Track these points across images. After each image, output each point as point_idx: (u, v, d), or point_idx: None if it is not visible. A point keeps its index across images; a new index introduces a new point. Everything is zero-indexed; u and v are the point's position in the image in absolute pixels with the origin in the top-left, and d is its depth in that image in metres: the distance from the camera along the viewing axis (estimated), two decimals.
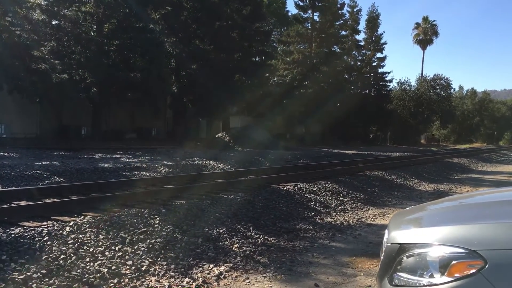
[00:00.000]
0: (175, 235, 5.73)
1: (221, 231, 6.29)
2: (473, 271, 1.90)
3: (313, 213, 8.34)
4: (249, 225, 6.78)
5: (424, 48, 67.78)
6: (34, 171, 10.16)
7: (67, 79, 21.73)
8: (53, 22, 23.59)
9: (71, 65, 23.03)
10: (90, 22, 24.94)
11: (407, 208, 3.15)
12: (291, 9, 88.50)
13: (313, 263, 5.44)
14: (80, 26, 24.11)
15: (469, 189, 13.36)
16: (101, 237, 5.32)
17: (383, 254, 2.37)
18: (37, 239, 4.97)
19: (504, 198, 3.13)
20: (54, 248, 4.83)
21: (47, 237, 5.04)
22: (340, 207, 9.19)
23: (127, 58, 25.14)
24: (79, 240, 5.12)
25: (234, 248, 5.75)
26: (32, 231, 5.17)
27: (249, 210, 7.61)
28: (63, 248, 4.85)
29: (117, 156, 16.25)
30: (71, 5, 24.28)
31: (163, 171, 12.34)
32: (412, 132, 55.03)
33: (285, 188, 9.79)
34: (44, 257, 4.58)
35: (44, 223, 5.66)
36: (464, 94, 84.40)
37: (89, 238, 5.23)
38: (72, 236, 5.21)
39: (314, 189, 10.16)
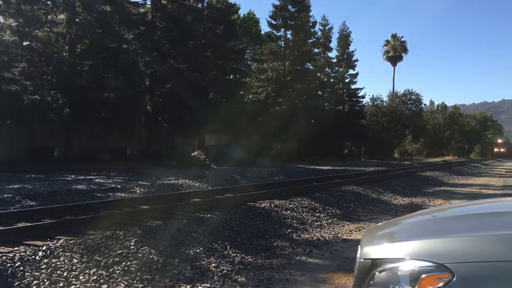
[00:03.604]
0: (151, 257, 5.67)
1: (198, 250, 6.26)
2: (441, 284, 1.95)
3: (289, 230, 8.36)
4: (226, 244, 6.76)
5: (394, 65, 69.34)
6: (5, 195, 9.93)
7: (39, 100, 21.43)
8: (24, 43, 23.33)
9: (43, 86, 22.71)
10: (62, 43, 24.70)
11: (380, 223, 3.21)
12: (264, 27, 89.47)
13: (291, 280, 5.45)
14: (51, 47, 23.88)
15: (441, 202, 13.61)
16: (75, 261, 5.23)
17: (356, 269, 2.42)
18: (8, 265, 4.86)
19: (474, 211, 3.23)
20: (26, 273, 4.72)
21: (19, 263, 4.93)
22: (316, 223, 9.25)
23: (100, 78, 24.94)
24: (53, 265, 5.02)
25: (211, 267, 5.73)
26: (4, 257, 5.05)
27: (226, 229, 7.59)
28: (36, 274, 4.75)
29: (91, 177, 16.01)
30: (43, 26, 24.04)
31: (138, 191, 12.21)
32: (385, 146, 55.92)
33: (261, 206, 9.80)
34: (16, 283, 4.48)
35: (16, 248, 5.54)
36: (435, 108, 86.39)
37: (63, 263, 5.13)
38: (45, 261, 5.11)
39: (291, 206, 10.20)
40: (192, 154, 29.21)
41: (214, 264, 5.84)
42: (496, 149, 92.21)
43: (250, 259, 6.27)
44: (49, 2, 24.50)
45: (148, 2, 31.51)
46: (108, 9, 25.56)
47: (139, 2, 31.07)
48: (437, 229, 2.66)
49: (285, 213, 9.54)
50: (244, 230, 7.73)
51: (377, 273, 2.17)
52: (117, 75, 25.23)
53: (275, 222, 8.74)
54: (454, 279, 1.93)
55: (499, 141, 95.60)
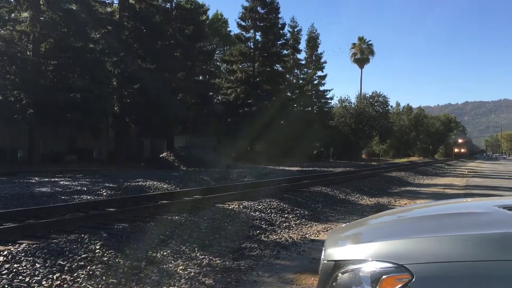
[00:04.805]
0: (117, 260, 5.59)
1: (165, 253, 6.20)
2: (400, 285, 1.98)
3: (258, 231, 8.38)
4: (194, 246, 6.72)
5: (361, 67, 70.55)
6: None
7: (1, 100, 20.85)
8: None
9: (6, 86, 22.10)
10: (25, 42, 24.09)
11: (343, 225, 3.25)
12: (233, 28, 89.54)
13: (258, 282, 5.47)
14: (15, 46, 23.24)
15: (407, 202, 13.88)
16: (37, 265, 5.10)
17: (320, 271, 2.44)
18: None
19: (437, 212, 3.30)
20: None
21: None
22: (284, 224, 9.29)
23: (66, 78, 24.41)
24: (14, 270, 4.89)
25: (178, 270, 5.68)
26: None
27: (194, 231, 7.55)
28: None
29: (56, 179, 15.66)
30: (6, 24, 23.39)
31: (105, 193, 12.01)
32: (353, 147, 56.72)
33: (230, 207, 9.80)
34: None
35: None
36: (401, 110, 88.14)
37: (25, 268, 5.00)
38: (6, 266, 4.97)
39: (259, 207, 10.22)
40: (161, 156, 28.90)
41: (181, 267, 5.80)
42: (456, 150, 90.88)
43: (218, 261, 6.25)
44: (12, 0, 23.86)
45: (116, 1, 31.09)
46: (74, 8, 25.07)
47: (106, 1, 30.59)
48: (399, 230, 2.70)
49: (253, 214, 9.55)
50: (213, 232, 7.71)
51: (339, 274, 2.19)
52: (83, 75, 24.74)
53: (243, 223, 8.74)
54: (414, 279, 1.96)
55: (460, 141, 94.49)
